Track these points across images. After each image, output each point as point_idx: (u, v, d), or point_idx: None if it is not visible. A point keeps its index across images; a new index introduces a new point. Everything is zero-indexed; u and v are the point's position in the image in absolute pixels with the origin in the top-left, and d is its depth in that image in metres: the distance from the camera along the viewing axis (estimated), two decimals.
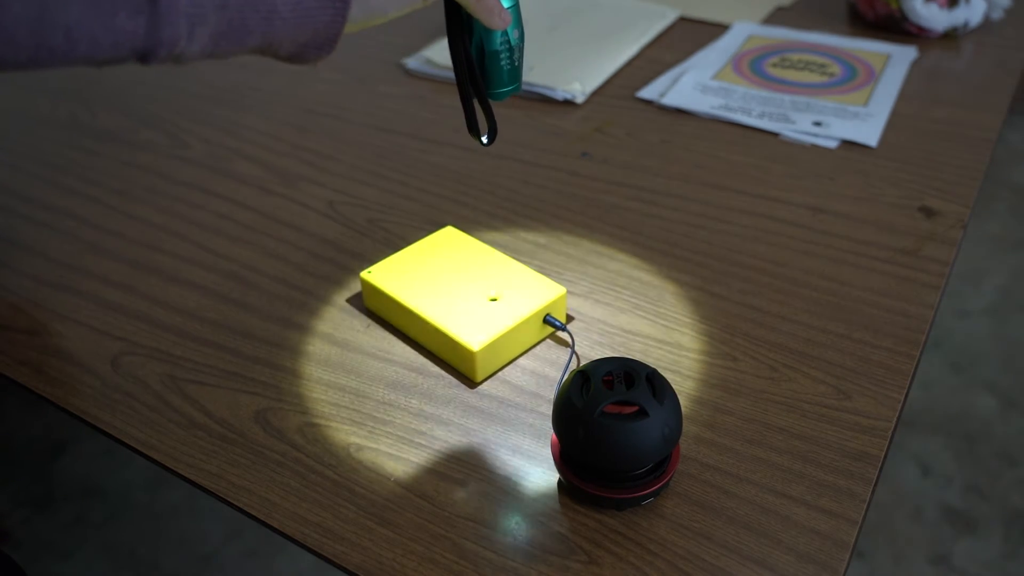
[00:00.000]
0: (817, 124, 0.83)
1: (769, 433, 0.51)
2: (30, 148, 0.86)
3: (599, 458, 0.43)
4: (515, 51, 0.50)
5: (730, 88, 0.91)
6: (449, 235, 0.64)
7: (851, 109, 0.86)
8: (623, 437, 0.43)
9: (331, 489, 0.48)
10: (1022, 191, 2.13)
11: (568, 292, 0.62)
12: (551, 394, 0.54)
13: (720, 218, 0.70)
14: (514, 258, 0.63)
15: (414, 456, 0.50)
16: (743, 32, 1.05)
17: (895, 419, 0.51)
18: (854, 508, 0.46)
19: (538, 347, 0.58)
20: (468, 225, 0.70)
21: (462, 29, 0.49)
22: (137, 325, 0.61)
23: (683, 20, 1.11)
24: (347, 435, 0.51)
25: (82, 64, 0.34)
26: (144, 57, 0.35)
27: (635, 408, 0.43)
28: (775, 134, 0.83)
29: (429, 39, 1.06)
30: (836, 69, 0.95)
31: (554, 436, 0.48)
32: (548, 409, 0.53)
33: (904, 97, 0.89)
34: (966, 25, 1.02)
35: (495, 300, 0.57)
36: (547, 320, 0.57)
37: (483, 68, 0.50)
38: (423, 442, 0.51)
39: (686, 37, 1.05)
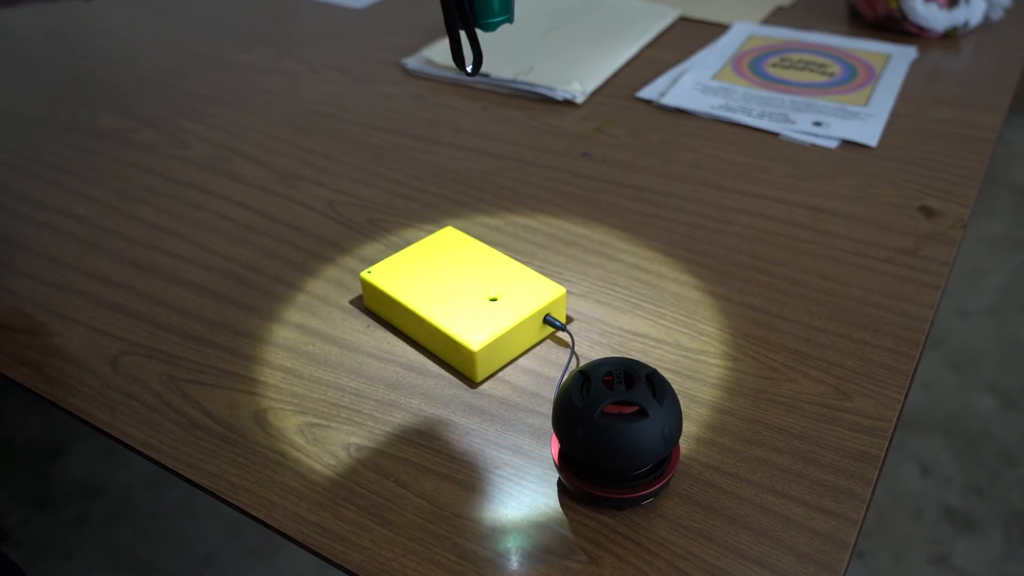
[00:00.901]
0: (817, 124, 0.83)
1: (769, 433, 0.51)
2: (30, 148, 0.86)
3: (599, 458, 0.43)
4: None
5: (730, 88, 0.91)
6: (449, 235, 0.64)
7: (851, 109, 0.86)
8: (623, 437, 0.43)
9: (331, 489, 0.48)
10: (1022, 191, 2.13)
11: (568, 292, 0.62)
12: (551, 394, 0.54)
13: (720, 218, 0.70)
14: (514, 258, 0.63)
15: (414, 456, 0.50)
16: (743, 32, 1.05)
17: (895, 419, 0.51)
18: (854, 508, 0.46)
19: (538, 347, 0.58)
20: (468, 225, 0.70)
21: None
22: (137, 325, 0.61)
23: (683, 20, 1.11)
24: (347, 435, 0.51)
25: None
26: None
27: (635, 408, 0.43)
28: (775, 134, 0.83)
29: (429, 39, 1.06)
30: (836, 69, 0.95)
31: (554, 436, 0.48)
32: (548, 409, 0.53)
33: (904, 97, 0.89)
34: (966, 25, 1.02)
35: (495, 300, 0.57)
36: (547, 320, 0.57)
37: None
38: (423, 442, 0.51)
39: (686, 37, 1.05)
